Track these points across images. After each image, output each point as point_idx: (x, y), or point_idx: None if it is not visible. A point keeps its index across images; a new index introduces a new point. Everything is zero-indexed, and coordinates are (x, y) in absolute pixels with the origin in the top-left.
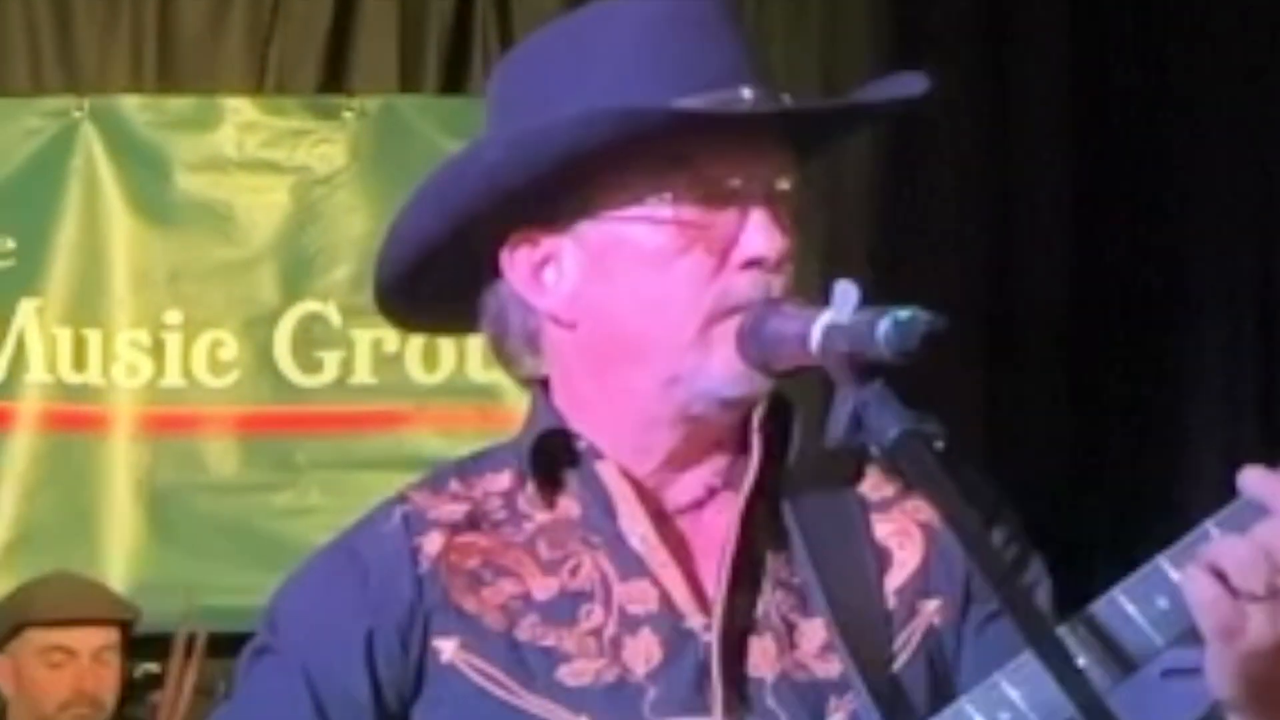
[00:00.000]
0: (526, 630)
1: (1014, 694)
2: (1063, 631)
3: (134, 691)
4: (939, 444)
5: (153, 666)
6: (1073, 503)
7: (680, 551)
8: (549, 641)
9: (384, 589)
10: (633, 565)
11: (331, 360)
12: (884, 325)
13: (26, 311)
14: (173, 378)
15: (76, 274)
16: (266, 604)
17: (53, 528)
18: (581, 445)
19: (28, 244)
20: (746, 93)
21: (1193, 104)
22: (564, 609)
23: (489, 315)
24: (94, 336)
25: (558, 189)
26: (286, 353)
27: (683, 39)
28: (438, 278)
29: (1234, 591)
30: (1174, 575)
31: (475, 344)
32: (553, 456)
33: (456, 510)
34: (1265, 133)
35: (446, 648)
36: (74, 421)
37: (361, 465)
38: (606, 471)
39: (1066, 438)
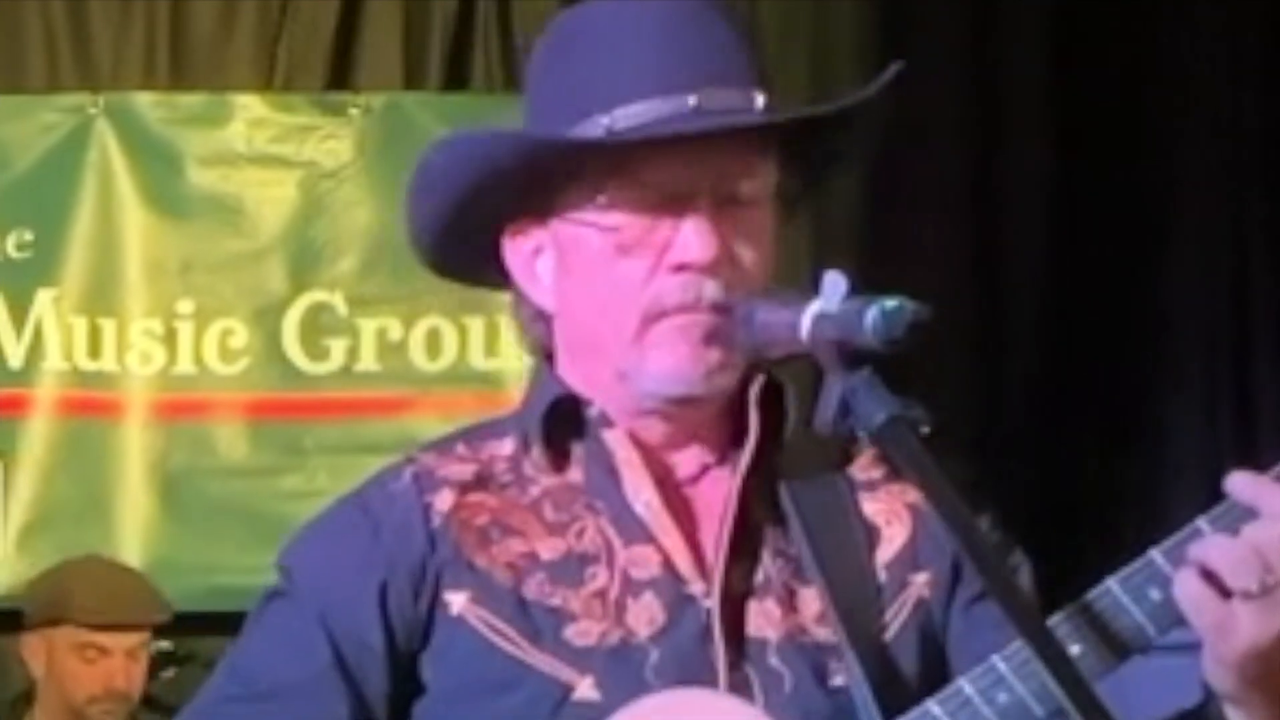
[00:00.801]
0: (534, 588)
1: (1011, 676)
2: (1059, 618)
3: (148, 669)
4: (924, 429)
5: (165, 644)
6: (1052, 496)
7: (683, 519)
8: (556, 601)
9: (396, 542)
10: (636, 531)
11: (338, 348)
12: (871, 314)
13: (44, 301)
14: (185, 365)
15: (92, 265)
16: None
17: (69, 509)
18: (593, 412)
19: (45, 236)
20: (692, 100)
21: (1170, 110)
22: (570, 570)
23: (513, 296)
24: (109, 325)
25: (525, 186)
26: (294, 341)
27: (650, 42)
28: (462, 252)
29: (1225, 590)
30: (1167, 569)
31: (476, 333)
32: (562, 423)
33: (465, 470)
34: (1239, 137)
35: (456, 601)
36: (89, 407)
37: (367, 449)
38: (614, 438)
39: (1048, 431)
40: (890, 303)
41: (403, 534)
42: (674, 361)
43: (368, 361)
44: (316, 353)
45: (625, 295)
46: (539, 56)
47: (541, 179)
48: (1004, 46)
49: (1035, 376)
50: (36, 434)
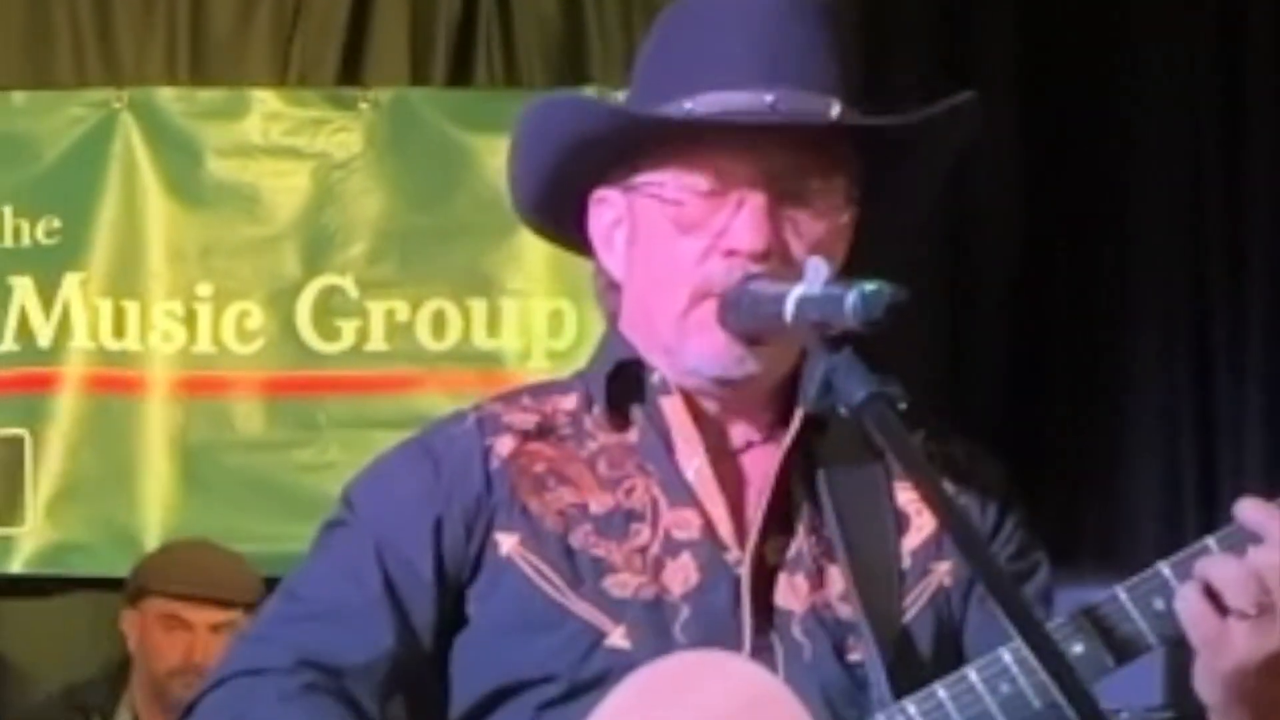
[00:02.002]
0: (580, 538)
1: (1015, 668)
2: (1066, 619)
3: None
4: (902, 406)
5: None
6: (1015, 464)
7: (728, 488)
8: (599, 552)
9: (454, 481)
10: (682, 495)
11: (349, 329)
12: (852, 297)
13: (71, 284)
14: (204, 345)
15: (117, 250)
16: (294, 549)
17: (95, 481)
18: (655, 378)
19: (72, 223)
20: (769, 97)
21: (1131, 94)
22: (616, 524)
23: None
24: (132, 307)
25: (610, 156)
26: (308, 322)
27: (744, 37)
28: (552, 210)
29: (1224, 609)
30: (1172, 582)
31: (479, 315)
32: (623, 386)
33: (528, 419)
34: (1197, 128)
35: (506, 542)
36: (114, 385)
37: (376, 424)
38: (671, 406)
39: (1013, 402)
40: (869, 286)
41: (461, 473)
42: (711, 345)
43: (377, 341)
44: (328, 333)
45: (679, 271)
46: (651, 38)
47: (624, 150)
48: (973, 43)
49: (1001, 350)
50: (64, 409)
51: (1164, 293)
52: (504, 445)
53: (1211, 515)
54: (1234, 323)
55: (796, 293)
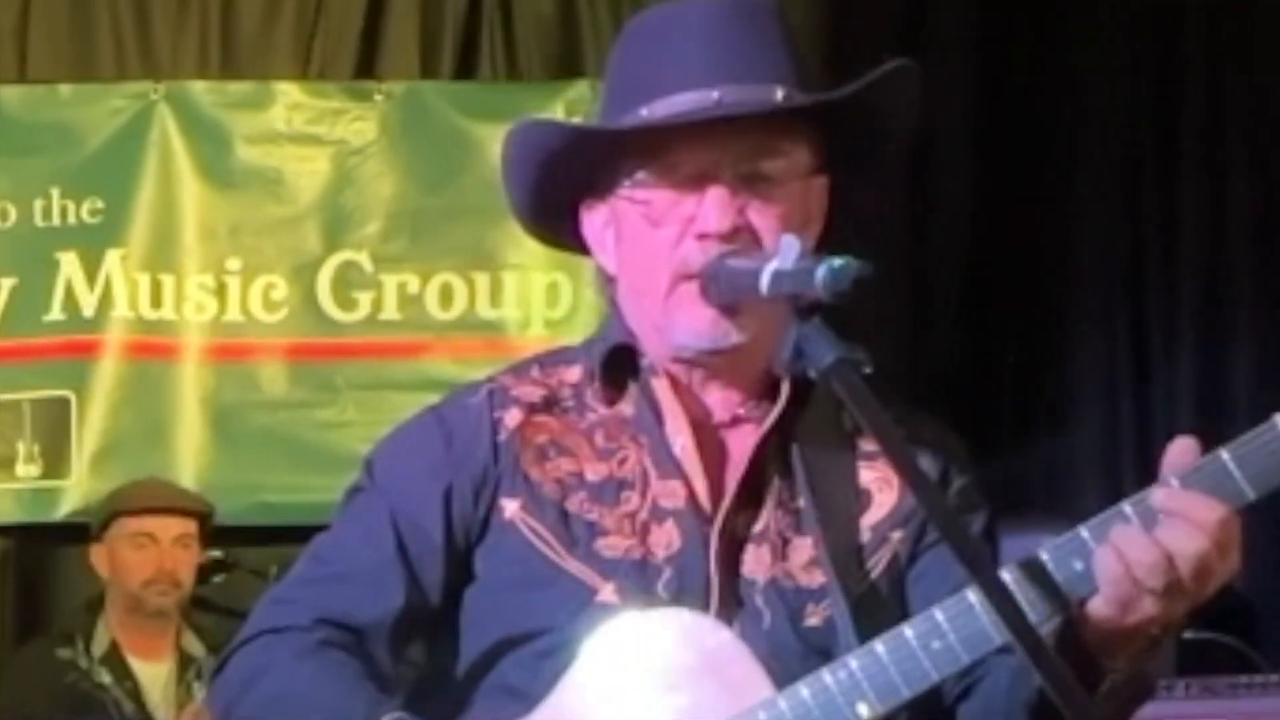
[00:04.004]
0: (576, 504)
1: (946, 625)
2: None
3: (200, 575)
4: (866, 370)
5: (216, 553)
6: (970, 425)
7: (711, 463)
8: (593, 516)
9: (465, 450)
10: (670, 467)
11: (364, 300)
12: (822, 271)
13: (113, 259)
14: (233, 314)
15: (154, 228)
16: (314, 499)
17: (134, 438)
18: (645, 362)
19: (114, 204)
20: (716, 94)
21: (1074, 94)
22: (609, 491)
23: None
24: (168, 280)
25: (585, 169)
26: (327, 293)
27: (690, 45)
28: (550, 223)
29: (1136, 581)
30: (1091, 544)
31: (483, 287)
32: (620, 365)
33: (535, 392)
34: (1135, 121)
35: (510, 507)
36: (152, 350)
37: (389, 387)
38: (661, 387)
39: (968, 368)
40: (837, 261)
41: (471, 444)
42: (695, 320)
43: (390, 311)
44: (346, 304)
45: (658, 259)
46: (612, 56)
47: (598, 161)
48: (933, 48)
49: (956, 322)
50: (106, 373)
51: (1103, 268)
52: (512, 418)
53: (1147, 470)
54: (1168, 298)
55: (771, 267)
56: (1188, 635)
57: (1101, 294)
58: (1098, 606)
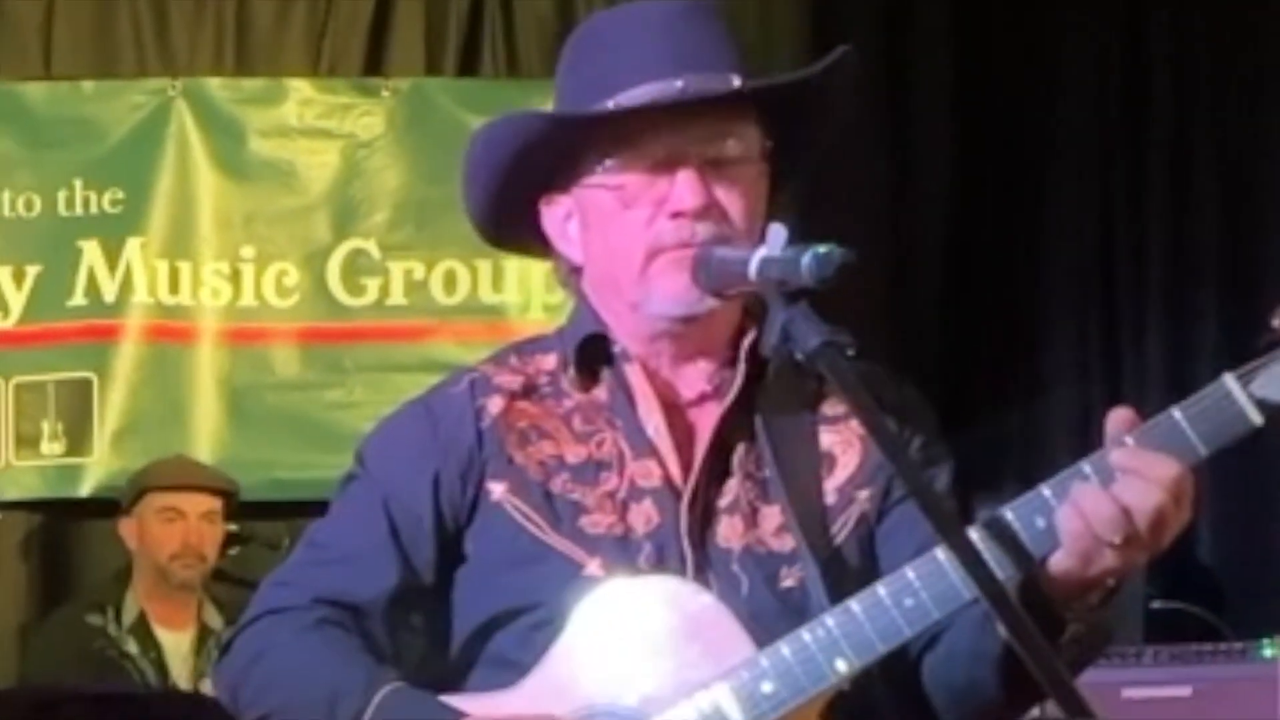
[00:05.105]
0: (559, 484)
1: (918, 583)
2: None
3: (219, 549)
4: (850, 351)
5: (233, 527)
6: (949, 402)
7: (682, 442)
8: (575, 496)
9: (450, 438)
10: (644, 447)
11: (372, 286)
12: (807, 258)
13: (133, 247)
14: (247, 300)
15: (172, 218)
16: (324, 475)
17: (153, 418)
18: (617, 349)
19: (134, 194)
20: (679, 83)
21: (1048, 88)
22: (589, 472)
23: (553, 255)
24: (185, 267)
25: (551, 161)
26: (337, 280)
27: (648, 41)
28: (508, 224)
29: (1096, 536)
30: (1052, 501)
31: (485, 273)
32: (593, 353)
33: (515, 381)
34: (1105, 116)
35: (496, 489)
36: (170, 334)
37: (396, 368)
38: (633, 372)
39: (948, 347)
40: (822, 248)
41: (456, 432)
42: (673, 287)
43: (396, 297)
44: (355, 289)
45: (632, 239)
46: (564, 58)
47: (563, 153)
48: (912, 46)
49: (935, 304)
50: (126, 355)
51: (1075, 255)
52: (494, 405)
53: None
54: (1136, 282)
55: (759, 254)
56: (1157, 605)
57: (1074, 278)
58: (1060, 560)
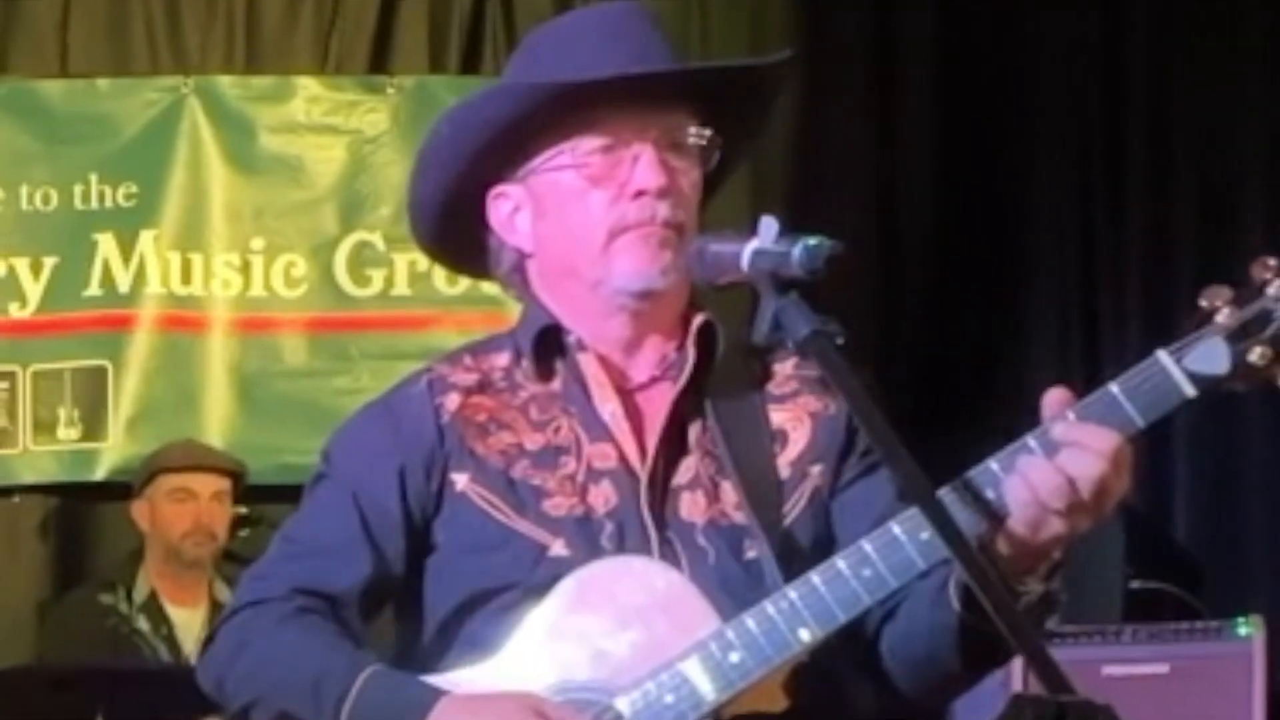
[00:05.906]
0: (520, 471)
1: (875, 555)
2: (914, 511)
3: (229, 531)
4: (839, 340)
5: (242, 510)
6: (936, 391)
7: (636, 423)
8: (536, 481)
9: (413, 434)
10: (600, 432)
11: (378, 277)
12: (798, 249)
13: (146, 239)
14: (257, 290)
15: (184, 211)
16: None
17: (166, 404)
18: (571, 339)
19: (147, 188)
20: (635, 70)
21: (1028, 87)
22: (548, 458)
23: (492, 256)
24: (197, 259)
25: (506, 151)
26: (344, 271)
27: (599, 42)
28: (456, 233)
29: (1043, 504)
30: (1000, 475)
31: None
32: (548, 345)
33: (469, 378)
34: (1085, 112)
35: (460, 480)
36: (182, 324)
37: (400, 356)
38: (587, 361)
39: (934, 336)
40: (812, 240)
41: (417, 426)
42: (636, 263)
43: (401, 287)
44: (361, 280)
45: (595, 218)
46: (516, 60)
47: (523, 136)
48: (898, 41)
49: (923, 298)
50: (140, 344)
51: (1057, 251)
52: (451, 402)
53: None
54: (1116, 278)
55: (751, 246)
56: (1135, 585)
57: (1056, 274)
58: (1009, 529)
